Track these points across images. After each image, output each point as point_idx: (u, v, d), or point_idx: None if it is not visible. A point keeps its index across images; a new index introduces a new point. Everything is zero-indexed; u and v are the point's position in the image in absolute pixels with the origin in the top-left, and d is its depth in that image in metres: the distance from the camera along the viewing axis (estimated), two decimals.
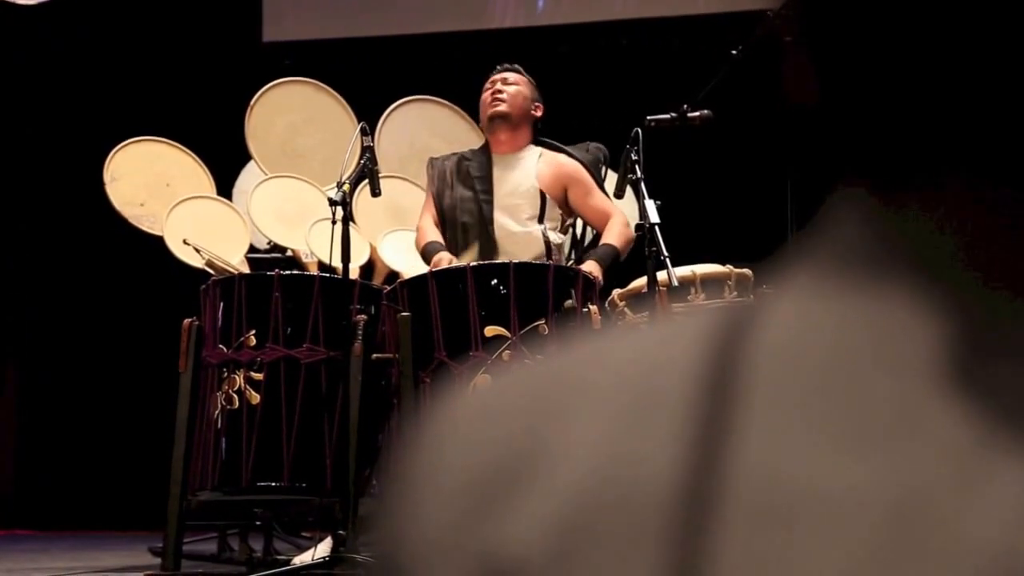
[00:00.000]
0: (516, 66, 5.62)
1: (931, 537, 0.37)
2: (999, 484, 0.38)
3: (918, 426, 0.39)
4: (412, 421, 0.47)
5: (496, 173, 5.47)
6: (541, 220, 5.41)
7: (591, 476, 0.41)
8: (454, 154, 5.63)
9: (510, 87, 5.52)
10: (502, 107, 5.47)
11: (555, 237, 5.37)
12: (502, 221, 5.39)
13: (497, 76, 5.58)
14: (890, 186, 0.43)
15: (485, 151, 5.55)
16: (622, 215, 5.42)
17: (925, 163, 0.42)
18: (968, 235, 0.42)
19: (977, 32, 0.40)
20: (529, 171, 5.46)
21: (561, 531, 0.41)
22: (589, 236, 5.58)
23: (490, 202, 5.41)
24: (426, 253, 5.39)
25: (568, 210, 5.48)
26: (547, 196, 5.42)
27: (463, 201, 5.44)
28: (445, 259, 5.25)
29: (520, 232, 5.35)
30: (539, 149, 5.54)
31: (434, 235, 5.44)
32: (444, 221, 5.49)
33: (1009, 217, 0.41)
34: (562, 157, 5.53)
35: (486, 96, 5.53)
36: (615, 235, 5.33)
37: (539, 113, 5.56)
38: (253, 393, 5.24)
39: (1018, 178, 0.41)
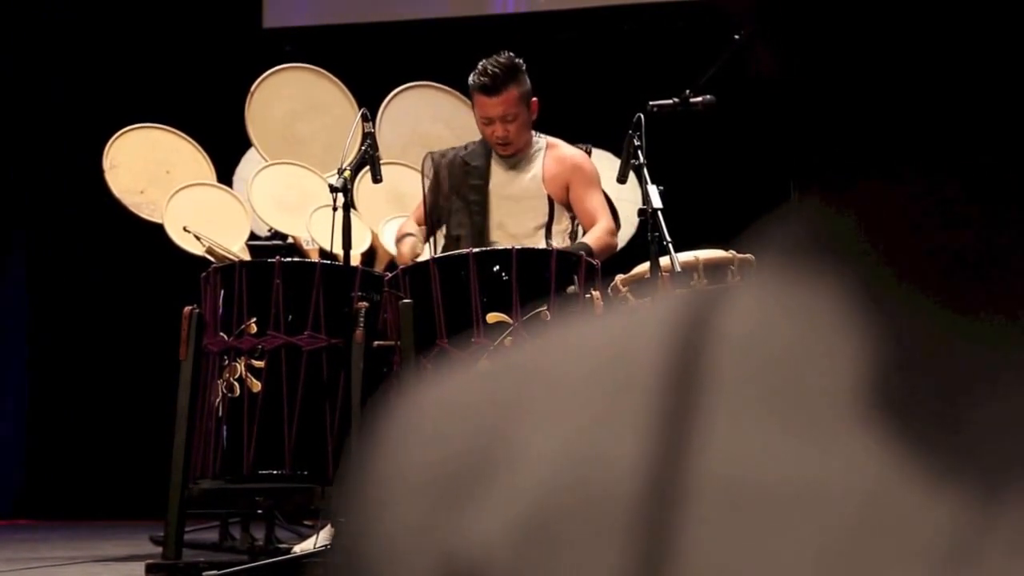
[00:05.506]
0: (502, 67, 5.19)
1: (897, 528, 0.37)
2: (929, 519, 0.37)
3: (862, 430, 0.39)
4: (375, 414, 0.46)
5: (499, 172, 5.33)
6: (549, 229, 5.30)
7: (555, 473, 0.40)
8: (452, 149, 5.51)
9: (510, 125, 5.19)
10: (509, 149, 5.25)
11: (561, 245, 5.24)
12: (502, 229, 5.29)
13: (490, 107, 5.17)
14: (827, 181, 0.43)
15: (485, 146, 5.35)
16: (610, 224, 5.26)
17: (857, 160, 0.41)
18: (887, 235, 0.41)
19: (924, 27, 0.39)
20: (536, 172, 5.30)
21: (525, 529, 0.40)
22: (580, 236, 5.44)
23: (484, 214, 5.30)
24: (397, 244, 5.36)
25: (571, 207, 5.35)
26: (555, 202, 5.29)
27: (455, 213, 5.34)
28: (407, 245, 5.21)
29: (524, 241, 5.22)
30: (543, 141, 5.38)
31: (410, 228, 5.37)
32: (433, 226, 5.39)
33: (929, 216, 0.40)
34: (567, 148, 5.41)
35: (488, 134, 5.24)
36: (594, 238, 5.17)
37: (535, 113, 5.30)
38: (254, 381, 5.23)
39: (942, 177, 0.40)
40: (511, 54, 5.29)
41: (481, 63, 5.25)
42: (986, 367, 0.39)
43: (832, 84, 0.41)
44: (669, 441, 0.40)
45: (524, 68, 5.28)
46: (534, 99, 5.30)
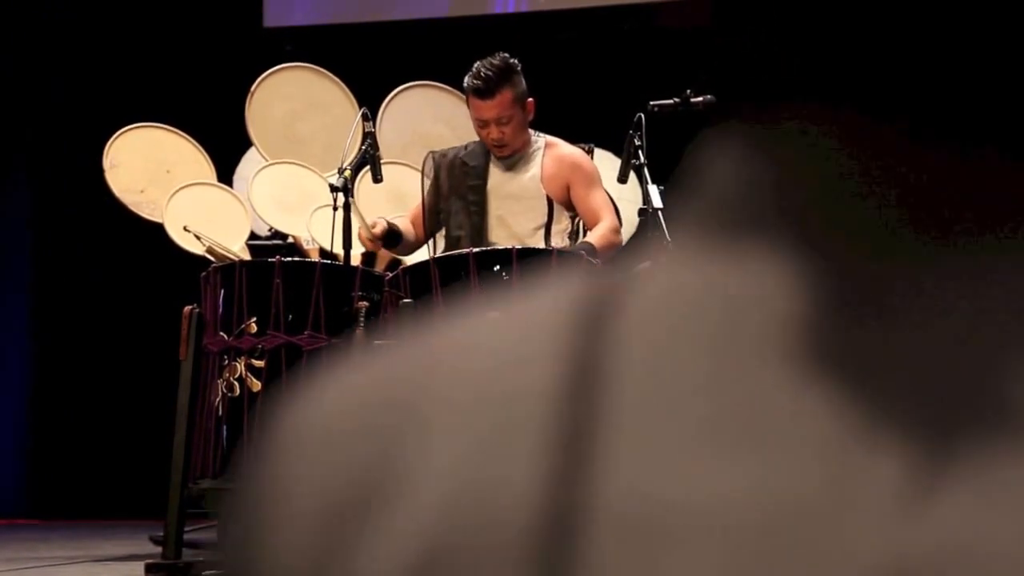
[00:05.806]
0: (495, 69, 5.13)
1: (807, 546, 0.34)
2: (876, 483, 0.35)
3: (793, 424, 0.36)
4: (261, 433, 0.43)
5: (497, 172, 5.29)
6: (548, 229, 5.28)
7: (450, 501, 0.37)
8: (453, 149, 5.44)
9: (506, 127, 5.13)
10: (505, 151, 5.21)
11: (561, 245, 5.22)
12: (502, 229, 5.27)
13: (484, 110, 5.12)
14: (770, 111, 0.38)
15: (484, 146, 5.30)
16: (614, 221, 5.20)
17: (808, 85, 0.37)
18: (842, 170, 0.37)
19: None
20: (535, 172, 5.25)
21: (421, 562, 0.37)
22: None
23: (482, 215, 5.28)
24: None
25: (572, 206, 5.32)
26: (554, 202, 5.26)
27: (455, 214, 5.31)
28: (365, 227, 5.19)
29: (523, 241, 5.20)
30: (542, 140, 5.33)
31: (397, 222, 5.35)
32: (434, 226, 5.38)
33: (890, 151, 0.36)
34: (566, 147, 5.38)
35: (483, 136, 5.20)
36: (598, 236, 5.11)
37: (532, 114, 5.25)
38: (254, 380, 5.23)
39: (902, 107, 0.36)
40: (506, 55, 5.22)
41: (475, 65, 5.18)
42: (920, 287, 0.36)
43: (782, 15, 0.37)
44: (568, 462, 0.36)
45: (519, 69, 5.20)
46: (530, 99, 5.22)
